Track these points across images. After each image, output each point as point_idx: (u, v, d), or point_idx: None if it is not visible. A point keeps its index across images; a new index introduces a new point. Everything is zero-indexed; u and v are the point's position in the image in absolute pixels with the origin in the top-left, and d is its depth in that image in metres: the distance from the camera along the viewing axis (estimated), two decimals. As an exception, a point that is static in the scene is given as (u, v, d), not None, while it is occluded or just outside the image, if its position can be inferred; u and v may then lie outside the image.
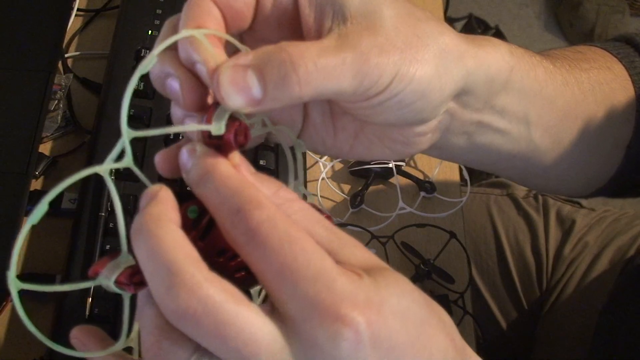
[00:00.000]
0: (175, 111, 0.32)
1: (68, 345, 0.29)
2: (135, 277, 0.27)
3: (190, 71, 0.30)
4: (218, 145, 0.28)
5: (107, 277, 0.27)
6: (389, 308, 0.26)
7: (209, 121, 0.29)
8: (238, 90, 0.28)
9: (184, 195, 0.29)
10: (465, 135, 0.39)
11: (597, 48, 0.49)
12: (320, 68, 0.29)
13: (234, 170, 0.28)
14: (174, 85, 0.30)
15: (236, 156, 0.29)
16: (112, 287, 0.27)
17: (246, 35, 0.34)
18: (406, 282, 0.27)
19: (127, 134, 0.27)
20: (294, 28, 0.34)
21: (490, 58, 0.36)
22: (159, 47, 0.29)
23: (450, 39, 0.33)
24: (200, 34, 0.29)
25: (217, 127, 0.28)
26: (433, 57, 0.32)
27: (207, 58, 0.29)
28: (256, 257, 0.26)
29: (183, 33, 0.29)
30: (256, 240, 0.25)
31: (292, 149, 0.35)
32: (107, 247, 0.51)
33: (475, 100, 0.37)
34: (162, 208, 0.27)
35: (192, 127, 0.29)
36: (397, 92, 0.32)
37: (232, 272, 0.29)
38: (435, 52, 0.32)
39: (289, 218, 0.26)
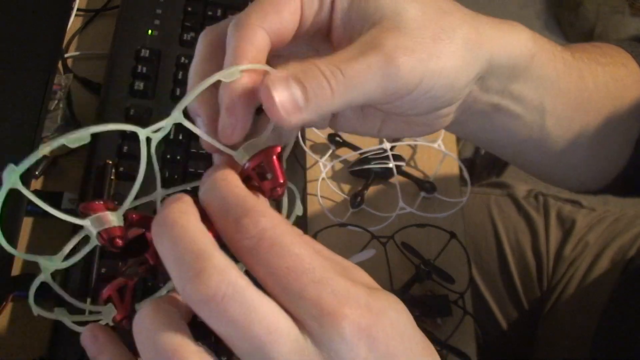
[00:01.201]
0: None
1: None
2: (115, 240, 0.29)
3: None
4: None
5: (94, 225, 0.29)
6: (387, 319, 0.27)
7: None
8: (286, 98, 0.29)
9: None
10: (482, 115, 0.40)
11: (612, 45, 0.49)
12: (347, 77, 0.30)
13: (241, 184, 0.29)
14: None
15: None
16: (93, 233, 0.29)
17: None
18: (405, 308, 0.28)
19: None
20: (323, 42, 0.35)
21: (514, 43, 0.37)
22: (240, 67, 0.30)
23: (473, 27, 0.35)
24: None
25: (240, 156, 0.30)
26: (458, 48, 0.33)
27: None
28: (262, 262, 0.26)
29: (251, 66, 0.30)
30: (263, 245, 0.26)
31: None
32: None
33: (496, 83, 0.38)
34: (185, 205, 0.28)
35: (218, 145, 0.31)
36: (429, 88, 0.33)
37: None
38: (459, 43, 0.33)
39: (290, 225, 0.27)
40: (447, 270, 0.60)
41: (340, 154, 0.66)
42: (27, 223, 0.54)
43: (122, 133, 0.56)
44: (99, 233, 0.29)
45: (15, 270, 0.53)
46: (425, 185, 0.65)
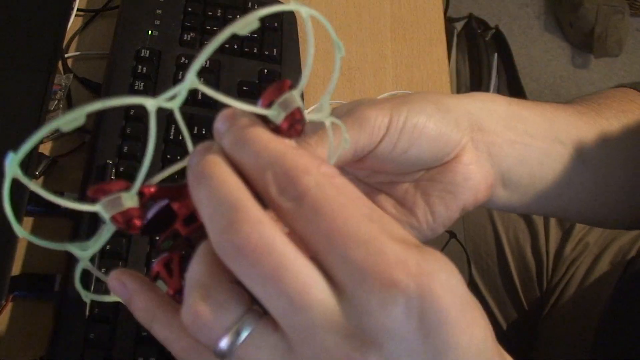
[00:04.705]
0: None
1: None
2: (132, 221, 0.27)
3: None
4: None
5: (107, 210, 0.27)
6: (438, 280, 0.25)
7: (265, 104, 0.27)
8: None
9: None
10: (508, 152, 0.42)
11: (611, 90, 0.51)
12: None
13: (275, 136, 0.27)
14: None
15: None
16: (107, 217, 0.27)
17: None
18: (454, 267, 0.27)
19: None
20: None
21: (492, 106, 0.42)
22: (261, 12, 0.25)
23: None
24: (307, 13, 0.27)
25: (276, 114, 0.27)
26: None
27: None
28: (304, 223, 0.25)
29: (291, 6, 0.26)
30: (305, 206, 0.25)
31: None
32: (107, 247, 0.51)
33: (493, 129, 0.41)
34: (219, 156, 0.27)
35: (248, 107, 0.27)
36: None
37: None
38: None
39: (335, 184, 0.25)
40: (447, 270, 0.60)
41: (340, 154, 0.66)
42: (27, 223, 0.54)
43: (123, 133, 0.56)
44: (112, 217, 0.27)
45: (16, 270, 0.53)
46: (425, 185, 0.65)
